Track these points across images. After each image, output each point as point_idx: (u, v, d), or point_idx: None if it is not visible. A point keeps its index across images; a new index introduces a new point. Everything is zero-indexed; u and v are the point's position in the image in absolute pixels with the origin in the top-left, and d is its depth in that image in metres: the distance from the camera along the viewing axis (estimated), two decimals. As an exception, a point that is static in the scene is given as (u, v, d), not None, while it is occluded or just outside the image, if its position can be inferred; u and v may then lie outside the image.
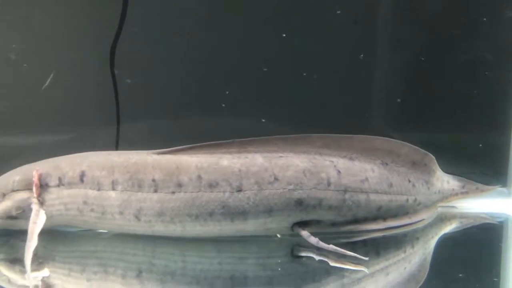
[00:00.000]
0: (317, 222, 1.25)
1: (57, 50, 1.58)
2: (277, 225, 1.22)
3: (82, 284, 1.09)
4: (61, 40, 1.57)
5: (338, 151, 1.30)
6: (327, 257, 1.16)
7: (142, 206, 1.19)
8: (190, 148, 1.25)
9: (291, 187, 1.20)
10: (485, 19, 1.61)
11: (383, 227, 1.32)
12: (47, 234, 1.21)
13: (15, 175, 1.26)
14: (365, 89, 1.67)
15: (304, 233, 1.21)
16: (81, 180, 1.21)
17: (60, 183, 1.22)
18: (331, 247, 1.17)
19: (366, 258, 1.14)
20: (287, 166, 1.22)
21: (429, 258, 1.26)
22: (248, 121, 1.60)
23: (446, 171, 1.51)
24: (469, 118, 1.66)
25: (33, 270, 1.10)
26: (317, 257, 1.17)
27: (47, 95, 1.57)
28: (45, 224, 1.19)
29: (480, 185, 1.57)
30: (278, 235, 1.27)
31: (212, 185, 1.19)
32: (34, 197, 1.21)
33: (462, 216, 1.52)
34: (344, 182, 1.25)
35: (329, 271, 1.13)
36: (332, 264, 1.14)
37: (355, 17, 1.62)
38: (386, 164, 1.35)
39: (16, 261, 1.16)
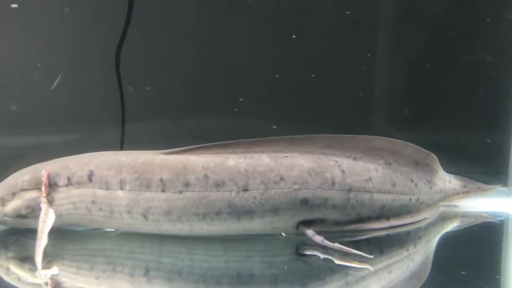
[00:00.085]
0: (322, 221, 1.25)
1: (63, 51, 1.59)
2: (282, 224, 1.23)
3: (91, 282, 1.10)
4: (68, 41, 1.58)
5: (342, 151, 1.31)
6: (332, 255, 1.17)
7: (150, 205, 1.19)
8: (197, 148, 1.25)
9: (297, 186, 1.21)
10: (488, 20, 1.62)
11: (387, 226, 1.33)
12: (56, 232, 1.21)
13: (24, 175, 1.27)
14: (366, 89, 1.68)
15: (310, 232, 1.22)
16: (90, 180, 1.22)
17: (69, 183, 1.23)
18: (336, 245, 1.18)
19: (371, 256, 1.15)
20: (292, 166, 1.23)
21: (431, 256, 1.26)
22: (249, 121, 1.62)
23: (448, 170, 1.52)
24: (470, 118, 1.67)
25: (42, 268, 1.11)
26: (322, 256, 1.17)
27: (53, 96, 1.58)
28: (54, 223, 1.20)
29: (481, 185, 1.58)
30: (283, 234, 1.28)
31: (218, 185, 1.19)
32: (43, 197, 1.22)
33: (464, 215, 1.53)
34: (349, 181, 1.26)
35: (334, 269, 1.13)
36: (337, 262, 1.14)
37: (355, 18, 1.64)
38: (390, 164, 1.36)
39: (25, 259, 1.17)
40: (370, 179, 1.29)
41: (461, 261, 1.22)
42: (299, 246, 1.25)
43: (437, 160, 1.46)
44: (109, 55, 1.59)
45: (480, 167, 1.64)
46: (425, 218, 1.42)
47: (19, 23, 1.56)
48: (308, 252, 1.21)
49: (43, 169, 1.23)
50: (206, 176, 1.20)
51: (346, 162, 1.29)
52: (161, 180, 1.20)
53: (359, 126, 1.58)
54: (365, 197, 1.28)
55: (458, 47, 1.65)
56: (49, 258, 1.15)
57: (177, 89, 1.64)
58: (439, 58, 1.66)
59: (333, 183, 1.24)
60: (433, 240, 1.35)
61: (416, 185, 1.39)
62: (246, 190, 1.20)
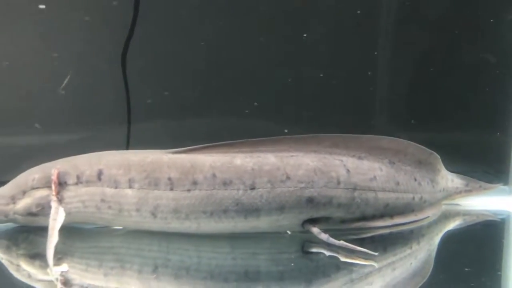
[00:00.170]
0: (327, 219, 1.26)
1: (70, 51, 1.60)
2: (288, 222, 1.24)
3: (100, 279, 1.11)
4: (75, 41, 1.59)
5: (347, 150, 1.32)
6: (337, 252, 1.18)
7: (159, 204, 1.20)
8: (204, 148, 1.26)
9: (303, 185, 1.22)
10: (492, 20, 1.63)
11: (390, 224, 1.34)
12: (65, 230, 1.21)
13: (34, 173, 1.27)
14: (370, 89, 1.69)
15: (315, 229, 1.23)
16: (99, 178, 1.23)
17: (78, 181, 1.23)
18: (342, 243, 1.19)
19: (376, 253, 1.16)
20: (298, 165, 1.24)
21: (434, 253, 1.28)
22: (254, 121, 1.63)
23: (449, 169, 1.52)
24: (471, 118, 1.68)
25: (53, 265, 1.11)
26: (327, 253, 1.18)
27: (61, 96, 1.59)
28: (63, 220, 1.20)
29: (483, 184, 1.59)
30: (289, 232, 1.28)
31: (226, 183, 1.21)
32: (53, 195, 1.22)
33: (466, 213, 1.54)
34: (353, 180, 1.27)
35: (339, 266, 1.14)
36: (343, 259, 1.15)
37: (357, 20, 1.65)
38: (393, 163, 1.37)
39: (36, 256, 1.18)
40: (375, 178, 1.30)
41: (463, 258, 1.24)
42: (305, 243, 1.26)
43: (440, 159, 1.47)
44: (115, 56, 1.60)
45: (481, 166, 1.65)
46: (428, 217, 1.43)
47: (26, 24, 1.58)
48: (313, 250, 1.22)
49: (53, 168, 1.24)
50: (213, 175, 1.21)
51: (351, 161, 1.30)
52: (169, 178, 1.21)
53: (363, 126, 1.60)
54: (369, 196, 1.29)
55: (461, 48, 1.66)
56: (59, 256, 1.15)
57: (183, 90, 1.64)
58: (442, 58, 1.67)
59: (339, 182, 1.26)
60: (436, 238, 1.36)
61: (419, 184, 1.40)
62: (253, 188, 1.21)
